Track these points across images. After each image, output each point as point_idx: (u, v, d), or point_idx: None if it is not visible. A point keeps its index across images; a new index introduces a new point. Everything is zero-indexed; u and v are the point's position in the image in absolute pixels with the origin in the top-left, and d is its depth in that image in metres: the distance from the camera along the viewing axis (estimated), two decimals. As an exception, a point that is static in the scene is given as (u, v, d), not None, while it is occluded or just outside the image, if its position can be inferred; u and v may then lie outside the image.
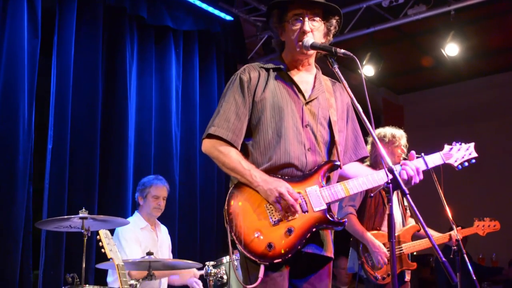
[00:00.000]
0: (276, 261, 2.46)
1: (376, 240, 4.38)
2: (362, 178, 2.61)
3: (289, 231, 2.48)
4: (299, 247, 2.48)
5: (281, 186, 2.48)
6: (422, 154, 2.66)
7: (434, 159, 2.73)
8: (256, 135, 2.66)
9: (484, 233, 4.81)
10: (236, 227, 2.49)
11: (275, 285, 2.49)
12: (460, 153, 2.81)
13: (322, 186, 2.56)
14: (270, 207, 2.52)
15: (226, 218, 2.53)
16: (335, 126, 2.69)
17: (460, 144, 2.83)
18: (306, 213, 2.52)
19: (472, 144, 2.87)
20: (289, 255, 2.47)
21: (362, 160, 2.87)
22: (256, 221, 2.50)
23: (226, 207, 2.54)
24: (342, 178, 2.73)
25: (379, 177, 2.60)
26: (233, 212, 2.52)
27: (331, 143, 2.68)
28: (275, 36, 2.80)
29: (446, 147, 2.82)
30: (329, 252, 2.64)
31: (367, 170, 2.77)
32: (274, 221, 2.49)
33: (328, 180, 2.64)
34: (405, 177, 2.52)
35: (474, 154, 2.85)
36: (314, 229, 2.51)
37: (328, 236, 2.65)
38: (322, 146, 2.65)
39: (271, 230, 2.48)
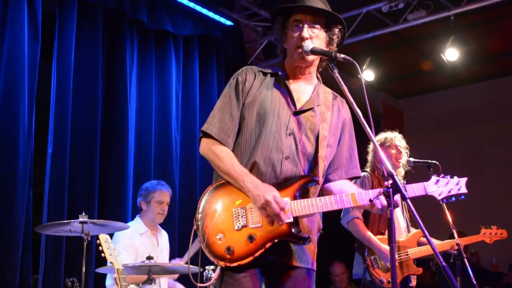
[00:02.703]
0: (232, 264, 2.49)
1: (383, 244, 4.39)
2: (335, 197, 2.54)
3: (251, 238, 2.49)
4: (256, 255, 2.48)
5: (269, 193, 2.47)
6: (404, 181, 2.59)
7: (416, 189, 2.61)
8: (239, 137, 2.67)
9: (491, 241, 4.81)
10: (203, 226, 2.55)
11: (239, 286, 2.51)
12: (447, 186, 2.64)
13: (295, 199, 2.53)
14: (238, 212, 2.53)
15: (196, 216, 2.57)
16: (323, 141, 2.65)
17: (451, 178, 2.66)
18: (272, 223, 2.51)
19: (463, 180, 2.67)
20: (246, 261, 2.48)
21: (352, 179, 2.81)
22: (221, 224, 2.53)
23: (199, 206, 2.59)
24: (328, 193, 2.69)
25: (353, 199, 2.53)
26: (202, 212, 2.57)
27: (315, 157, 2.64)
28: (279, 43, 2.79)
29: (433, 179, 2.66)
30: (297, 261, 2.61)
31: (353, 189, 2.69)
32: (238, 226, 2.51)
33: (305, 193, 2.60)
34: (379, 206, 2.46)
35: (464, 190, 2.65)
36: (276, 240, 2.50)
37: (299, 247, 2.61)
38: (302, 157, 2.62)
39: (233, 234, 2.51)
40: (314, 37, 2.65)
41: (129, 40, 6.01)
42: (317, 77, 2.81)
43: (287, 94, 2.69)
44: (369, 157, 4.71)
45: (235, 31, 7.33)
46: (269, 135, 2.60)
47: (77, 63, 5.43)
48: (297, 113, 2.66)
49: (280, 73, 2.74)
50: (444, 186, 2.63)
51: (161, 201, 4.90)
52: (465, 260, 4.27)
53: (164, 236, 5.12)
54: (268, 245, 2.49)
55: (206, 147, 2.67)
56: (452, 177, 2.66)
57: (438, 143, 9.85)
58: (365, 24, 7.05)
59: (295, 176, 2.59)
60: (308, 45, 2.61)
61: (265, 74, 2.74)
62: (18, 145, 4.82)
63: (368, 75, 7.54)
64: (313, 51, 2.61)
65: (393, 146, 4.62)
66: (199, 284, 2.67)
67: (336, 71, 2.55)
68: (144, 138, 6.06)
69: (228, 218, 2.53)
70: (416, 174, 4.61)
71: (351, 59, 2.53)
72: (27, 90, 4.95)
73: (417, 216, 2.28)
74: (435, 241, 4.68)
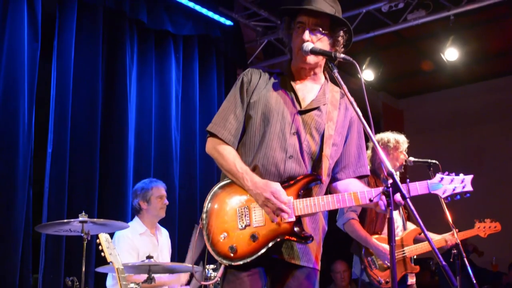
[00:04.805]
0: (235, 263, 2.52)
1: (380, 243, 4.38)
2: (337, 196, 2.55)
3: (253, 237, 2.52)
4: (259, 253, 2.50)
5: (267, 190, 2.50)
6: (408, 180, 2.55)
7: (419, 188, 2.55)
8: (244, 136, 2.71)
9: (485, 235, 4.82)
10: (208, 225, 2.58)
11: (241, 284, 2.54)
12: (451, 184, 2.57)
13: (297, 198, 2.54)
14: (242, 211, 2.56)
15: (202, 215, 2.60)
16: (328, 140, 2.64)
17: (457, 175, 2.59)
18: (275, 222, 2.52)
19: (469, 177, 2.59)
20: (248, 260, 2.51)
21: (361, 178, 2.80)
22: (225, 223, 2.56)
23: (204, 205, 2.61)
24: (335, 192, 2.70)
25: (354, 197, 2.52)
26: (208, 211, 2.60)
27: (320, 156, 2.64)
28: (287, 43, 2.80)
29: (437, 177, 2.58)
30: (300, 260, 2.61)
31: (359, 187, 2.67)
32: (242, 226, 2.54)
33: (309, 193, 2.61)
34: (383, 208, 2.45)
35: (469, 188, 2.57)
36: (278, 239, 2.52)
37: (302, 246, 2.60)
38: (306, 156, 2.63)
39: (237, 233, 2.54)
40: (317, 40, 2.65)
41: (129, 40, 6.01)
42: (325, 76, 2.81)
43: (292, 94, 2.70)
44: (369, 156, 4.71)
45: (235, 31, 7.33)
46: (273, 135, 2.62)
47: (77, 63, 5.43)
48: (302, 112, 2.67)
49: (285, 73, 2.76)
50: (448, 184, 2.57)
51: (161, 195, 4.94)
52: (465, 259, 4.27)
53: (164, 233, 5.12)
54: (270, 244, 2.51)
55: (211, 146, 2.72)
56: (457, 174, 2.60)
57: (438, 143, 9.86)
58: (365, 24, 7.05)
59: (298, 175, 2.60)
60: (307, 45, 2.61)
61: (270, 74, 2.77)
62: (18, 144, 4.82)
63: (368, 75, 7.55)
64: (313, 51, 2.62)
65: (403, 152, 4.65)
66: (202, 282, 2.69)
67: (335, 70, 2.56)
68: (144, 137, 6.07)
69: (233, 217, 2.56)
70: (416, 174, 4.62)
71: (351, 59, 2.54)
72: (27, 90, 4.96)
73: (417, 216, 2.27)
74: (433, 237, 4.66)
